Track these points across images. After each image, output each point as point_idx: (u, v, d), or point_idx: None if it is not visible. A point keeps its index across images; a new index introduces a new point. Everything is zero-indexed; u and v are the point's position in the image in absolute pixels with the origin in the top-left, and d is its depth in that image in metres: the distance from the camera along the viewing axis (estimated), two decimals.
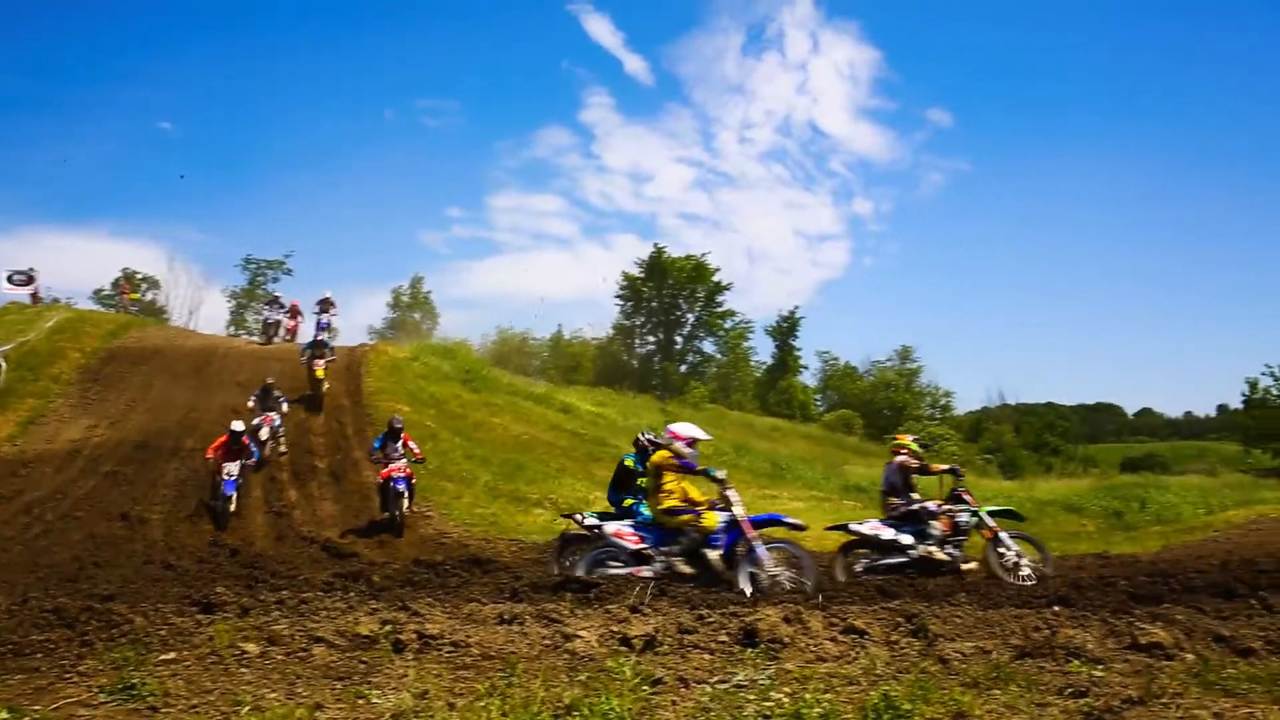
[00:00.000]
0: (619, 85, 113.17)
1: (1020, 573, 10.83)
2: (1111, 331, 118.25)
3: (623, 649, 5.21)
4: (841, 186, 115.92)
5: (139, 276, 57.00)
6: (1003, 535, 11.17)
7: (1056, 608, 6.65)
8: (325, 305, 30.22)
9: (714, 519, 9.57)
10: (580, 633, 5.46)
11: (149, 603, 7.01)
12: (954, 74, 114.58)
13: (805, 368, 72.31)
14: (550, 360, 59.78)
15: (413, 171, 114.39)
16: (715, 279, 65.64)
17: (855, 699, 3.96)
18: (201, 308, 57.93)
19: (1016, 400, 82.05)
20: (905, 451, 11.85)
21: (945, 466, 12.06)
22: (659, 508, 9.83)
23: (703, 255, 66.20)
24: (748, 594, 8.67)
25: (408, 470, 16.07)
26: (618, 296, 66.46)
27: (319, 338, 23.89)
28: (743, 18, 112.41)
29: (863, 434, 60.52)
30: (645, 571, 9.51)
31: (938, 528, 11.23)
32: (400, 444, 16.23)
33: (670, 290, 65.34)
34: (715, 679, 4.42)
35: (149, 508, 15.86)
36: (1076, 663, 4.68)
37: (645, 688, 4.24)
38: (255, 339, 34.05)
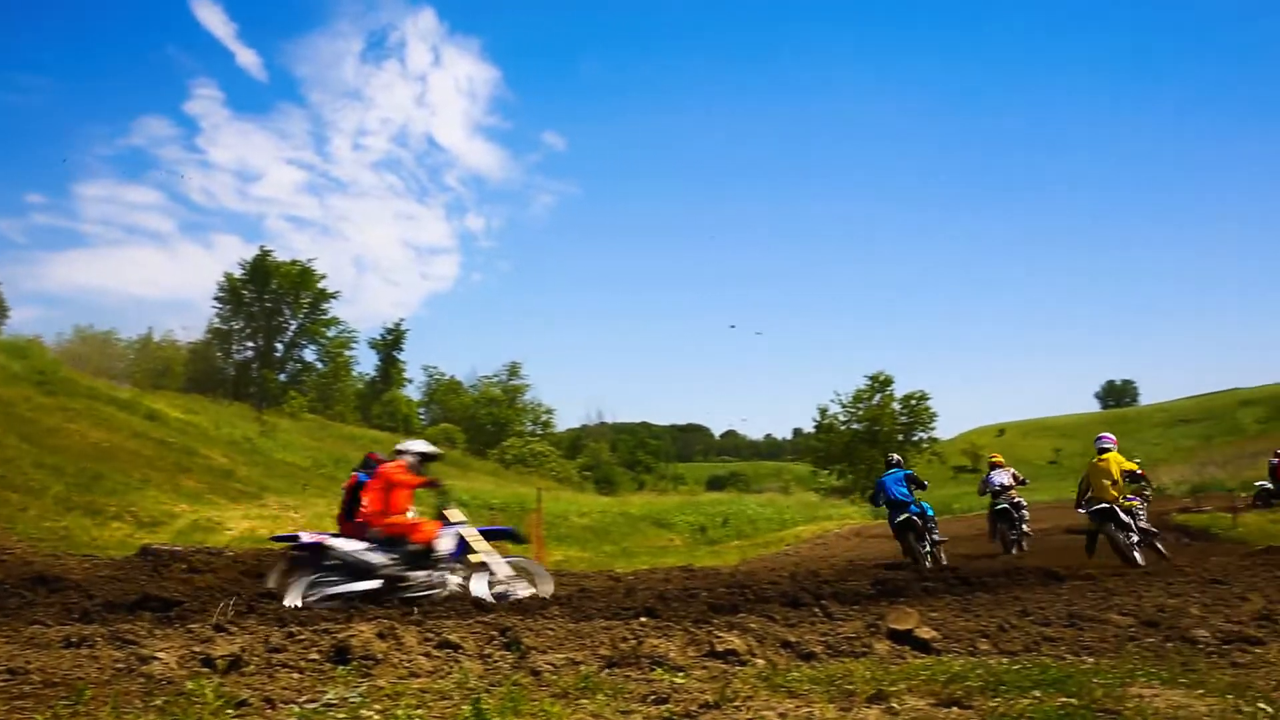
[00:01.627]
0: (229, 78, 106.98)
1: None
2: (703, 356, 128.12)
3: (205, 670, 4.85)
4: (455, 201, 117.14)
5: None
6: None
7: (644, 619, 7.01)
8: None
9: None
10: (158, 654, 5.00)
11: None
12: (568, 100, 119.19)
13: (410, 381, 72.25)
14: (137, 363, 55.13)
15: None
16: (321, 286, 64.09)
17: (448, 713, 3.93)
18: None
19: (614, 419, 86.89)
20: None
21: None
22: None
23: (309, 261, 64.54)
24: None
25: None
26: (216, 299, 63.11)
27: None
28: (364, 23, 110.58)
29: (464, 448, 61.32)
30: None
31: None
32: None
33: (273, 295, 62.80)
34: (304, 699, 4.22)
35: None
36: (660, 671, 4.93)
37: (228, 711, 3.97)
38: None
